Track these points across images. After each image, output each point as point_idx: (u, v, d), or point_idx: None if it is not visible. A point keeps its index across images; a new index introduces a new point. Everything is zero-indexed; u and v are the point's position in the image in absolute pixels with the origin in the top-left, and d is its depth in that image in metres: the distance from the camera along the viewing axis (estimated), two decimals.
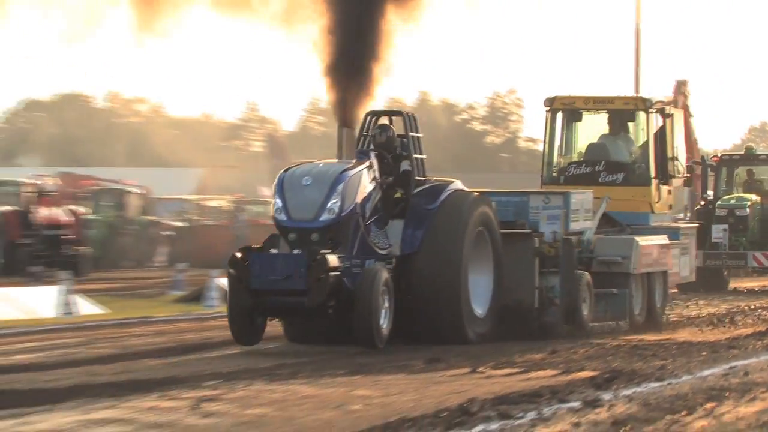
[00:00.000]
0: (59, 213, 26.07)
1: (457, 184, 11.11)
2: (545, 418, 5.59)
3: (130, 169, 53.47)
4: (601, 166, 12.60)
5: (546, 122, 13.08)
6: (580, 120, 13.30)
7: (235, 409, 6.23)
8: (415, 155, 10.76)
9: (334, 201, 9.81)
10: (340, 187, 9.81)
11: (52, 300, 14.58)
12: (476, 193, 11.05)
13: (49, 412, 5.93)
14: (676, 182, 13.13)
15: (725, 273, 21.25)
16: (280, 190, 10.10)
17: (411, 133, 10.85)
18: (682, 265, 13.12)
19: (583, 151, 13.18)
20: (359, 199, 9.96)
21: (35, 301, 15.07)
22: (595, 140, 13.19)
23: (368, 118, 10.97)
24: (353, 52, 10.49)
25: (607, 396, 6.53)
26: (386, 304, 9.63)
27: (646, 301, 12.09)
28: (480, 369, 8.24)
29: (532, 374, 7.90)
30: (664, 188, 12.78)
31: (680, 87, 22.06)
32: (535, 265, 10.71)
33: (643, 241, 11.86)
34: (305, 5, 10.90)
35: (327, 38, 10.53)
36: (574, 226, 11.19)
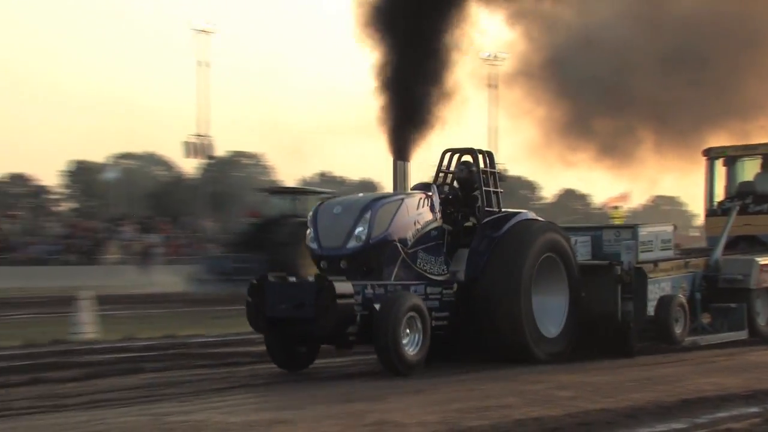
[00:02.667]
0: None
1: (527, 215, 11.61)
2: None
3: None
4: (750, 199, 15.27)
5: (705, 168, 16.05)
6: (733, 164, 16.05)
7: None
8: (486, 188, 11.30)
9: (361, 228, 10.03)
10: (368, 215, 10.06)
11: None
12: (543, 221, 11.69)
13: None
14: None
15: None
16: (314, 221, 10.45)
17: (483, 168, 11.40)
18: None
19: (737, 187, 15.86)
20: (396, 227, 10.21)
21: None
22: (748, 178, 15.95)
23: (445, 155, 11.66)
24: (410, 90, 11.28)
25: None
26: (413, 329, 9.64)
27: None
28: None
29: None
30: None
31: None
32: (617, 291, 11.31)
33: (763, 260, 13.66)
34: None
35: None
36: (646, 256, 12.27)
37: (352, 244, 10.07)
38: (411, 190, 11.16)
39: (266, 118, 72.62)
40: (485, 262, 10.74)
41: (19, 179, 64.44)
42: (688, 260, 13.27)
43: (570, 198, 79.92)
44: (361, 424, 6.50)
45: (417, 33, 11.47)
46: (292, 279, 9.95)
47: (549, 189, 77.18)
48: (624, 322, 11.15)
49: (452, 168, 11.58)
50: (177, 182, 62.71)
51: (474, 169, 11.32)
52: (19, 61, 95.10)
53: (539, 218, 11.76)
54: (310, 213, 10.67)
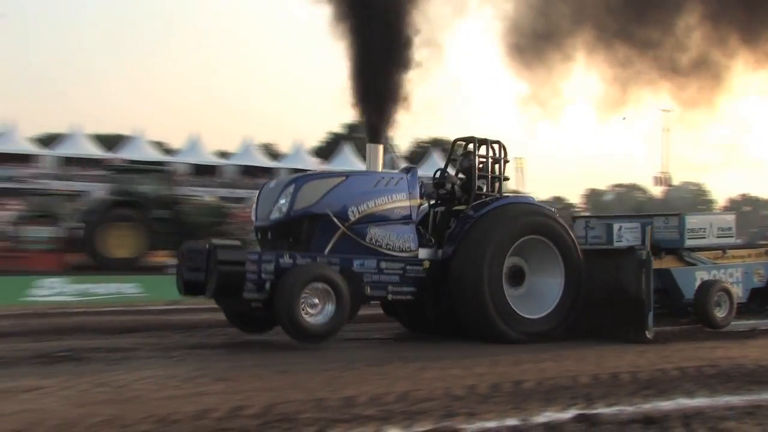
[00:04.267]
0: None
1: (519, 198, 12.15)
2: None
3: None
4: None
5: None
6: None
7: None
8: (485, 174, 11.77)
9: (283, 201, 10.46)
10: (291, 189, 10.45)
11: None
12: (533, 205, 11.93)
13: None
14: None
15: None
16: (257, 195, 11.20)
17: (482, 156, 11.87)
18: None
19: None
20: (331, 202, 10.45)
21: None
22: None
23: (455, 143, 12.40)
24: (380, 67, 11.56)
25: None
26: (325, 300, 9.85)
27: None
28: None
29: None
30: None
31: None
32: (641, 275, 11.22)
33: None
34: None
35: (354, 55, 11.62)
36: (696, 242, 12.65)
37: (275, 215, 10.50)
38: (399, 172, 11.59)
39: None
40: (459, 242, 10.94)
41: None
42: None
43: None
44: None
45: (379, 13, 11.59)
46: (201, 244, 10.40)
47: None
48: (639, 304, 11.10)
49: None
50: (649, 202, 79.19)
51: (472, 158, 11.72)
52: None
53: (536, 203, 12.00)
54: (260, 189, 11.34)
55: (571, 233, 11.66)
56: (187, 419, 6.04)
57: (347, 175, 11.35)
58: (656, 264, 11.84)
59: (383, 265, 10.55)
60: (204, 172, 55.36)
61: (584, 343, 10.79)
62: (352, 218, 10.52)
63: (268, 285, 9.72)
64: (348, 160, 61.58)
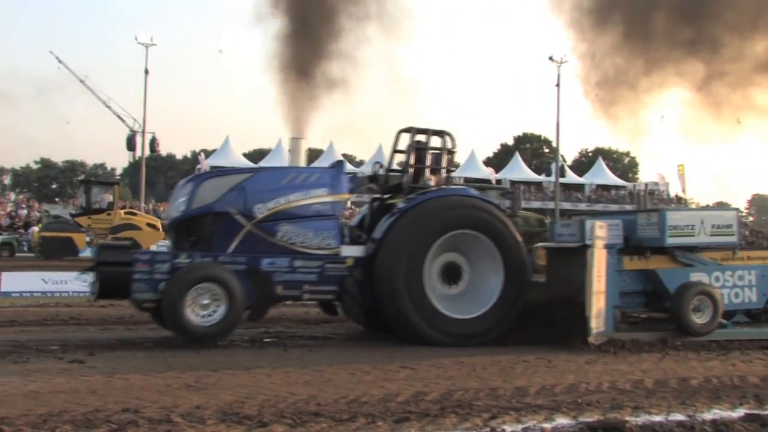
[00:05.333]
0: None
1: (461, 191, 11.20)
2: None
3: None
4: None
5: None
6: None
7: None
8: (422, 166, 11.17)
9: (182, 200, 10.21)
10: (189, 187, 10.19)
11: None
12: (470, 197, 10.86)
13: None
14: None
15: None
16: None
17: (420, 145, 11.25)
18: None
19: None
20: (233, 200, 10.09)
21: None
22: None
23: (399, 134, 11.45)
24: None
25: None
26: (218, 300, 9.55)
27: None
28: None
29: None
30: None
31: None
32: (585, 275, 10.08)
33: None
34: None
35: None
36: (683, 240, 11.19)
37: (174, 214, 10.37)
38: (327, 168, 11.03)
39: None
40: (382, 238, 10.39)
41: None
42: None
43: None
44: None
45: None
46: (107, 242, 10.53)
47: None
48: (582, 307, 10.04)
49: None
50: None
51: (410, 148, 11.08)
52: None
53: (472, 196, 10.87)
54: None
55: (512, 229, 10.73)
56: (374, 401, 6.75)
57: (255, 171, 10.91)
58: (641, 264, 11.05)
59: (298, 263, 10.08)
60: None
61: (752, 344, 10.62)
62: (259, 215, 10.10)
63: (162, 285, 9.50)
64: (520, 168, 62.94)
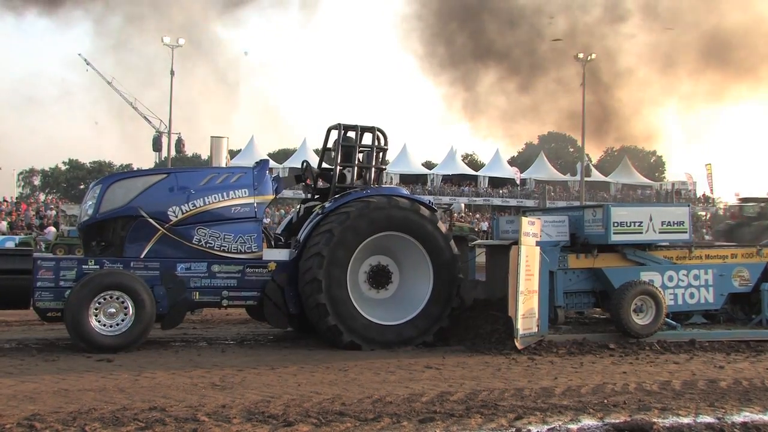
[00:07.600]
0: None
1: (389, 190, 10.75)
2: None
3: None
4: None
5: None
6: None
7: None
8: (350, 164, 10.75)
9: (90, 203, 9.84)
10: (98, 190, 9.78)
11: None
12: (395, 198, 10.38)
13: None
14: None
15: None
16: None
17: (348, 143, 10.81)
18: None
19: None
20: (147, 203, 9.69)
21: None
22: None
23: (329, 132, 11.01)
24: None
25: None
26: (125, 308, 9.21)
27: None
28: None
29: None
30: None
31: None
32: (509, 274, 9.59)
33: None
34: None
35: None
36: (630, 237, 10.73)
37: (83, 218, 9.97)
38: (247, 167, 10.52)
39: None
40: (304, 240, 10.08)
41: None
42: (761, 248, 11.59)
43: None
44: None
45: None
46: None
47: None
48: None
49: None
50: None
51: (336, 146, 10.65)
52: None
53: (402, 196, 10.45)
54: None
55: (442, 230, 10.31)
56: (399, 401, 6.76)
57: (169, 172, 10.29)
58: (587, 263, 10.66)
59: (216, 268, 9.69)
60: (411, 180, 59.05)
61: None
62: (174, 218, 9.70)
63: (68, 293, 9.12)
64: (545, 167, 63.08)
